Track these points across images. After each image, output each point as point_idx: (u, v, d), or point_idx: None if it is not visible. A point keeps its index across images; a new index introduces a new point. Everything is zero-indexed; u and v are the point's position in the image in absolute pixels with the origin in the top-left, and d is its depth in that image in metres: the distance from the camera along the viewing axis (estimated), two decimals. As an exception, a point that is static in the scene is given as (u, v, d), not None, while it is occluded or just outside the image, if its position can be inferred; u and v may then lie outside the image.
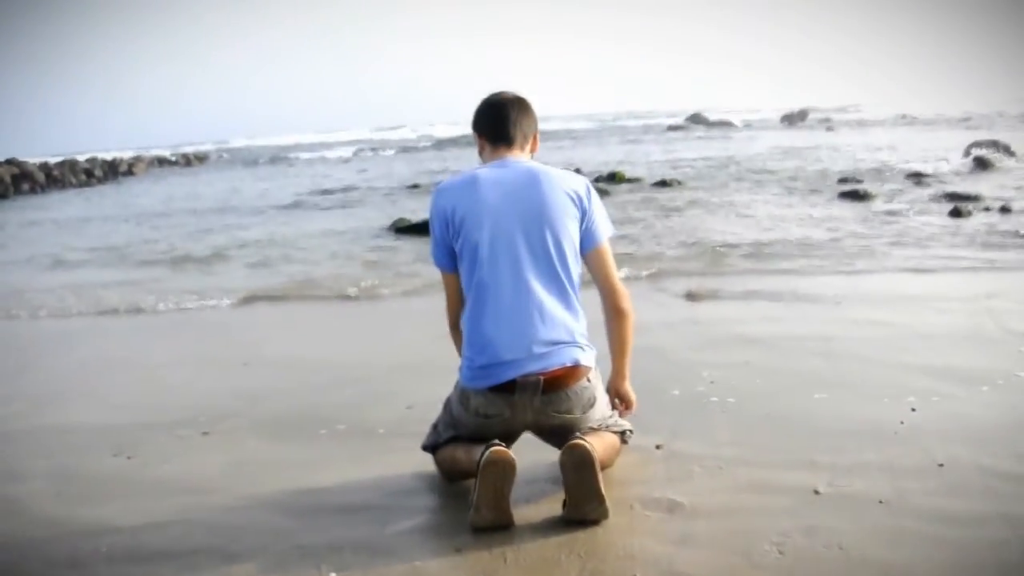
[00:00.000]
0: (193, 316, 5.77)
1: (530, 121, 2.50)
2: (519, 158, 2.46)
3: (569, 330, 2.34)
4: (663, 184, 12.70)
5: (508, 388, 2.33)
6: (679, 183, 12.76)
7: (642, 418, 2.88)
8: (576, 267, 2.40)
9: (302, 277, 7.04)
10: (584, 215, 2.40)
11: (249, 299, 6.24)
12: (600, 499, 2.20)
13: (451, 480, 2.55)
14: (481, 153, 2.53)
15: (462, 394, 2.41)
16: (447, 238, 2.40)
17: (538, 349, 2.30)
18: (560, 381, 2.34)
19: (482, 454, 2.20)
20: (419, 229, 9.06)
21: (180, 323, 5.60)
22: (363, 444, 3.01)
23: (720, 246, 7.14)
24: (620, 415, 2.63)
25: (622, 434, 2.59)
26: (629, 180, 13.60)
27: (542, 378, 2.32)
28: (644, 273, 6.21)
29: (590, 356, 2.41)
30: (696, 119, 38.80)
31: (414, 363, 3.95)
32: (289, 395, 3.70)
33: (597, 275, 2.46)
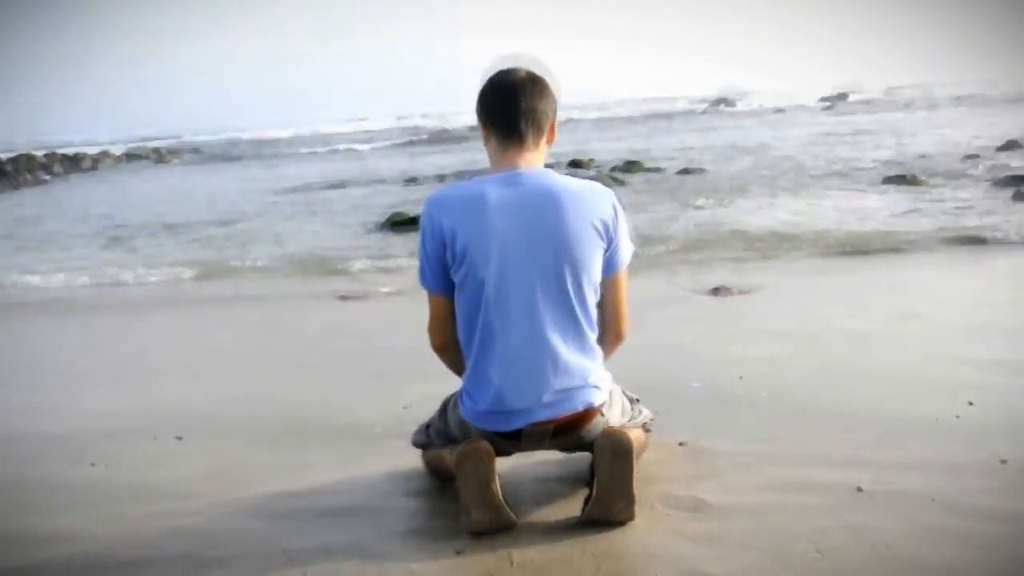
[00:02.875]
0: (161, 312, 5.80)
1: (546, 108, 2.33)
2: (533, 164, 2.31)
3: (584, 375, 2.30)
4: (686, 172, 12.70)
5: (515, 434, 2.33)
6: (703, 171, 12.77)
7: (664, 414, 2.88)
8: (595, 299, 2.33)
9: (290, 272, 7.07)
10: (610, 244, 2.30)
11: (233, 298, 6.26)
12: (630, 498, 2.19)
13: (439, 480, 2.57)
14: (486, 144, 2.40)
15: (462, 423, 2.40)
16: (442, 259, 2.28)
17: (549, 398, 2.27)
18: (572, 425, 2.34)
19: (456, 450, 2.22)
20: (416, 225, 9.09)
21: (147, 317, 5.63)
22: (356, 445, 3.02)
23: (748, 237, 7.15)
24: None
25: (644, 424, 2.60)
26: (649, 169, 13.62)
27: (552, 426, 2.32)
28: (666, 267, 6.22)
29: (605, 388, 2.37)
30: (724, 103, 38.85)
31: (410, 362, 3.92)
32: (275, 395, 3.73)
33: (607, 300, 2.39)
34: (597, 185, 2.36)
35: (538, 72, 2.37)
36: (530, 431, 2.31)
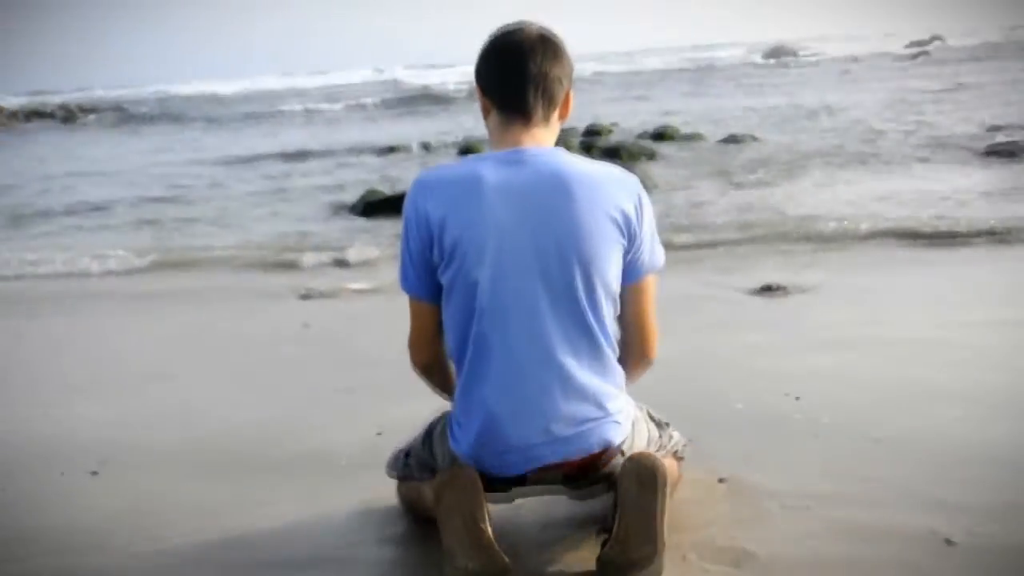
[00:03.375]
0: (75, 313, 5.81)
1: (560, 76, 2.33)
2: (541, 142, 2.33)
3: (600, 401, 2.30)
4: (732, 141, 12.71)
5: (516, 479, 2.34)
6: (754, 139, 12.77)
7: (700, 443, 2.87)
8: (613, 310, 2.33)
9: (238, 264, 7.08)
10: (632, 242, 2.31)
11: (167, 296, 6.26)
12: (658, 541, 2.19)
13: (418, 520, 2.58)
14: (486, 117, 2.40)
15: (451, 458, 2.39)
16: (427, 257, 2.28)
17: (558, 430, 2.27)
18: (586, 468, 2.34)
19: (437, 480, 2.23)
20: (395, 207, 9.09)
21: (56, 319, 5.64)
22: (318, 479, 3.02)
23: (807, 222, 7.15)
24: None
25: (675, 452, 2.60)
26: (685, 138, 13.62)
27: (562, 471, 2.32)
28: (704, 260, 6.23)
29: (627, 421, 2.37)
30: (780, 53, 38.88)
31: (386, 376, 3.95)
32: (216, 417, 3.73)
33: (630, 313, 2.39)
34: (617, 170, 2.35)
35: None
36: (535, 477, 2.32)
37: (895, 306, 4.80)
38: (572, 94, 2.39)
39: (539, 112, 2.32)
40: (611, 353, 2.33)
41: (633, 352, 2.43)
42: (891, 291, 5.16)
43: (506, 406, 2.26)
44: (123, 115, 31.08)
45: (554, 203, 2.24)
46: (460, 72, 37.66)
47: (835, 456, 2.94)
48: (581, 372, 2.27)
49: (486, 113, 2.38)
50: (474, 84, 2.40)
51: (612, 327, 2.33)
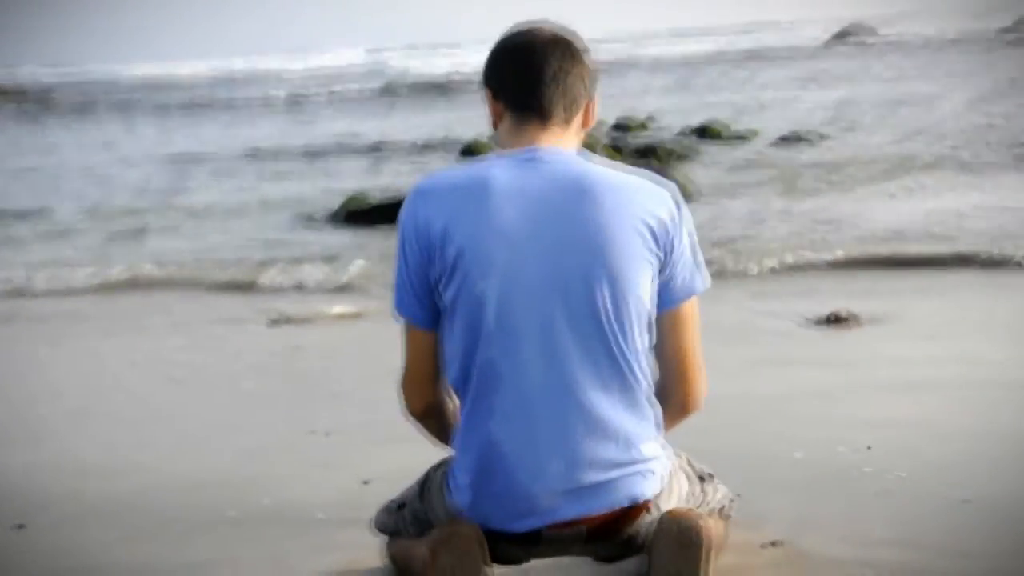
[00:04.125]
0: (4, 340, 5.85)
1: (580, 79, 2.41)
2: (560, 145, 2.38)
3: (630, 442, 2.31)
4: (792, 140, 12.75)
5: (529, 537, 2.35)
6: (820, 139, 12.81)
7: (749, 499, 2.87)
8: (646, 337, 2.35)
9: (200, 284, 7.12)
10: (667, 257, 2.34)
11: (116, 321, 6.30)
12: None
13: None
14: (496, 125, 2.45)
15: (451, 512, 2.41)
16: (425, 274, 2.32)
17: (579, 476, 2.28)
18: (611, 527, 2.36)
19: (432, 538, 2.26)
20: (384, 215, 9.16)
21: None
22: (291, 537, 3.03)
23: (882, 241, 7.18)
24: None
25: (720, 509, 2.61)
26: (734, 136, 13.67)
27: (584, 529, 2.33)
28: (757, 284, 6.27)
29: (660, 471, 2.38)
30: (850, 35, 38.94)
31: (373, 415, 3.98)
32: (168, 463, 3.76)
33: (667, 348, 2.41)
34: (650, 178, 2.38)
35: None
36: (552, 535, 2.33)
37: (986, 341, 4.80)
38: (596, 101, 2.44)
39: (559, 112, 2.37)
40: (645, 386, 2.34)
41: (672, 397, 2.45)
42: (981, 323, 5.17)
43: (516, 445, 2.28)
44: (53, 102, 31.22)
45: (575, 208, 2.27)
46: (464, 57, 37.82)
47: (912, 519, 2.94)
48: (608, 406, 2.29)
49: (497, 119, 2.43)
50: (484, 90, 2.44)
51: (645, 358, 2.35)
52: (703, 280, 2.42)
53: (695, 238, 2.40)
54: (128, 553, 3.03)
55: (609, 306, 2.27)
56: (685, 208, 2.37)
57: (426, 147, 15.11)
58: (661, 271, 2.33)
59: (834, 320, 5.26)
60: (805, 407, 3.93)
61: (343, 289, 6.90)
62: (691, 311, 2.42)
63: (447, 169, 2.43)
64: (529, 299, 2.26)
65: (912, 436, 3.56)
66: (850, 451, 3.44)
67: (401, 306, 2.39)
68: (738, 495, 2.74)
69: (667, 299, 2.36)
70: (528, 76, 2.37)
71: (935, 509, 3.00)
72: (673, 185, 2.39)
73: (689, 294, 2.40)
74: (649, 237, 2.29)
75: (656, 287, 2.34)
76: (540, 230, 2.26)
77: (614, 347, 2.28)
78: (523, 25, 2.46)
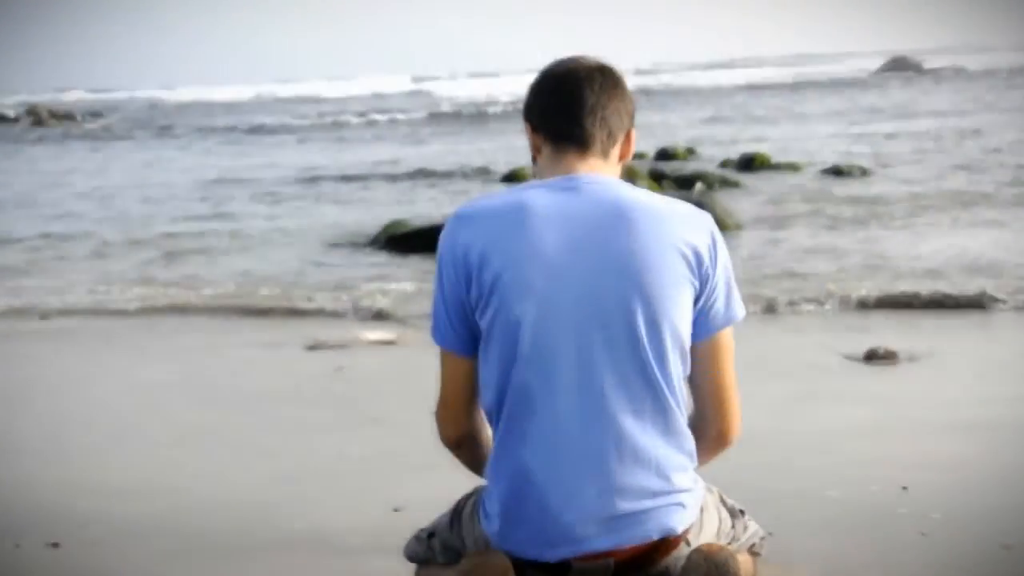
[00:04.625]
0: (42, 359, 5.91)
1: (620, 108, 2.42)
2: (599, 172, 2.39)
3: (665, 473, 2.29)
4: (838, 173, 12.70)
5: (559, 568, 2.32)
6: (865, 172, 12.76)
7: (781, 537, 2.87)
8: (683, 364, 2.34)
9: (237, 309, 7.16)
10: (704, 285, 2.33)
11: (152, 344, 6.34)
12: None
13: None
14: (535, 158, 2.46)
15: (482, 541, 2.41)
16: (463, 299, 2.32)
17: (613, 505, 2.27)
18: (642, 560, 2.33)
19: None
20: (423, 241, 9.19)
21: (20, 364, 5.74)
22: (321, 562, 3.05)
23: (924, 276, 7.14)
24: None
25: (751, 547, 2.59)
26: (778, 166, 13.64)
27: (613, 561, 2.30)
28: (798, 319, 6.24)
29: (694, 504, 2.36)
30: (900, 65, 38.80)
31: (408, 442, 4.00)
32: (202, 487, 3.78)
33: (703, 378, 2.40)
34: (687, 205, 2.37)
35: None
36: (581, 567, 2.30)
37: (1026, 382, 4.77)
38: (634, 134, 2.44)
39: (597, 142, 2.38)
40: (680, 415, 2.32)
41: (706, 428, 2.43)
42: (1021, 364, 5.13)
43: (548, 472, 2.27)
44: (104, 123, 31.59)
45: (612, 234, 2.27)
46: (508, 86, 38.02)
47: (949, 562, 2.91)
48: (642, 433, 2.27)
49: (535, 152, 2.44)
50: (524, 124, 2.44)
51: (681, 386, 2.34)
52: (739, 309, 2.39)
53: (731, 267, 2.38)
54: (164, 571, 3.05)
55: (645, 332, 2.26)
56: (720, 236, 2.36)
57: (466, 174, 15.19)
58: (697, 299, 2.32)
59: (873, 357, 5.23)
60: (841, 445, 3.91)
61: (381, 315, 6.92)
62: (728, 340, 2.40)
63: (487, 195, 2.42)
64: (565, 324, 2.26)
65: (950, 478, 3.53)
66: (886, 491, 3.41)
67: (437, 333, 2.38)
68: (769, 533, 2.72)
69: (704, 328, 2.35)
70: (567, 108, 2.37)
71: (973, 553, 2.97)
72: (708, 214, 2.37)
73: (727, 323, 2.38)
74: (687, 263, 2.28)
75: (695, 312, 2.32)
76: (578, 255, 2.26)
77: (651, 372, 2.27)
78: (564, 59, 2.46)
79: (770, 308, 6.44)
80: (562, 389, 2.26)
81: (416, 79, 56.29)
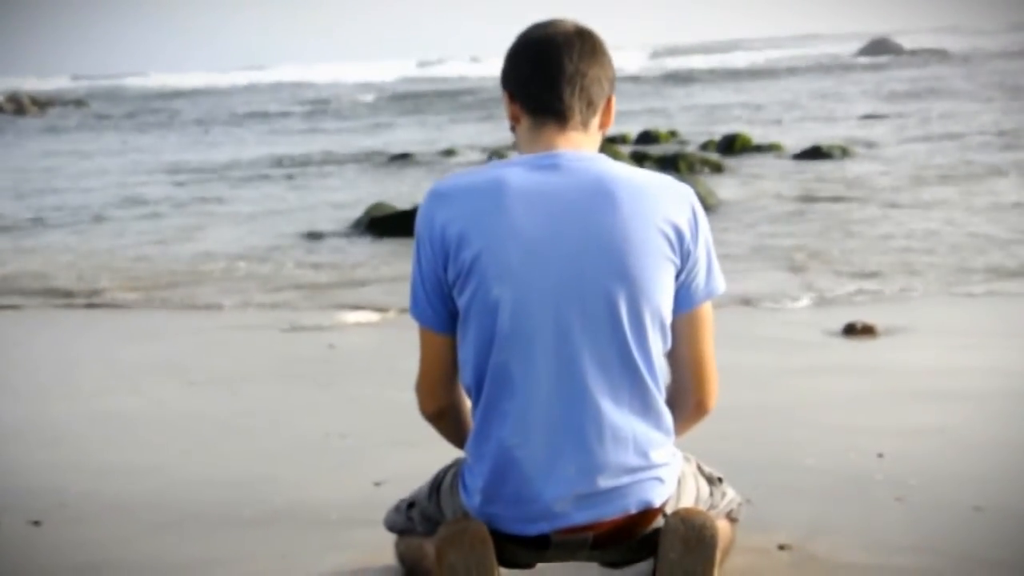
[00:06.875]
0: (20, 339, 5.91)
1: (600, 75, 2.38)
2: (580, 146, 2.37)
3: (642, 448, 2.31)
4: (817, 155, 12.73)
5: (537, 541, 2.36)
6: (844, 152, 12.79)
7: (759, 503, 2.89)
8: (663, 342, 2.35)
9: (217, 291, 7.16)
10: (686, 261, 2.32)
11: (132, 325, 6.35)
12: None
13: None
14: (514, 128, 2.45)
15: (462, 512, 2.43)
16: (441, 278, 2.32)
17: (590, 481, 2.29)
18: (619, 533, 2.36)
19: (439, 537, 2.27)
20: (406, 223, 9.19)
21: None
22: (303, 537, 3.06)
23: (903, 250, 7.19)
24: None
25: (729, 513, 2.62)
26: (758, 148, 13.68)
27: (591, 534, 2.34)
28: (776, 293, 6.27)
29: (672, 478, 2.38)
30: (881, 48, 38.85)
31: (387, 419, 4.03)
32: (183, 464, 3.79)
33: (683, 349, 2.41)
34: (667, 178, 2.38)
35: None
36: (560, 540, 2.33)
37: (1006, 353, 4.80)
38: (614, 100, 2.43)
39: (576, 114, 2.36)
40: (658, 393, 2.34)
41: (685, 398, 2.45)
42: (1000, 335, 5.16)
43: (528, 449, 2.29)
44: (86, 110, 31.40)
45: (593, 213, 2.27)
46: (492, 66, 38.02)
47: (923, 525, 2.94)
48: (620, 413, 2.29)
49: (514, 121, 2.42)
50: (502, 91, 2.43)
51: (661, 365, 2.36)
52: (719, 283, 2.41)
53: (711, 241, 2.39)
54: (142, 550, 3.06)
55: (626, 313, 2.27)
56: (701, 210, 2.36)
57: (451, 152, 15.22)
58: (679, 274, 2.32)
59: (851, 331, 5.26)
60: (818, 415, 3.94)
61: (363, 296, 6.92)
62: (708, 313, 2.42)
63: (465, 171, 2.40)
64: (545, 303, 2.26)
65: (925, 445, 3.57)
66: (862, 458, 3.45)
67: (415, 309, 2.39)
68: (747, 500, 2.75)
69: (685, 301, 2.36)
70: (545, 76, 2.34)
71: (946, 517, 3.01)
72: (689, 187, 2.37)
73: (706, 297, 2.39)
74: (669, 242, 2.29)
75: (676, 287, 2.33)
76: (558, 234, 2.26)
77: (630, 352, 2.28)
78: (542, 22, 2.42)
79: (745, 282, 6.42)
80: (541, 370, 2.28)
81: (423, 63, 56.04)
